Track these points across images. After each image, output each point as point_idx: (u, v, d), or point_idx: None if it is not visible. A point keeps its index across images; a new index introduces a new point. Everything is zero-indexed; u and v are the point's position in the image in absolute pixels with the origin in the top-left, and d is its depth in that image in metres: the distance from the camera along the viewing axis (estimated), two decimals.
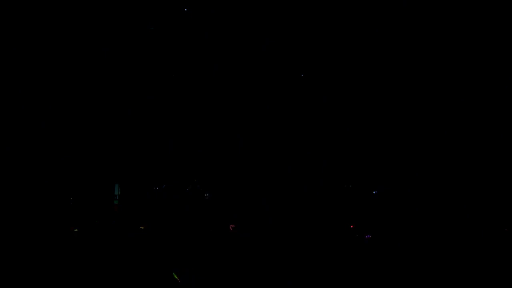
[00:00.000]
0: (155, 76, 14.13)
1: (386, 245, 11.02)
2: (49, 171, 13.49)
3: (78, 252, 9.89)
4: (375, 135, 14.60)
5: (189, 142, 15.14)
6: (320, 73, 14.17)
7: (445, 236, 11.60)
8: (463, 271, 9.06)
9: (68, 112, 13.88)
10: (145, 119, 14.71)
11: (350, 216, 14.20)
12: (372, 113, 14.54)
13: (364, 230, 12.69)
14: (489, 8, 13.07)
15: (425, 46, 13.61)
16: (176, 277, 8.44)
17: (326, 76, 14.16)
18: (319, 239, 11.72)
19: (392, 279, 8.83)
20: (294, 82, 14.29)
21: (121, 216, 14.23)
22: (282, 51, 13.94)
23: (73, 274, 8.63)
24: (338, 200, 15.17)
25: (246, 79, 14.23)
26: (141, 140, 14.59)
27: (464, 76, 13.79)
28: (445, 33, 13.42)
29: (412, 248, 10.72)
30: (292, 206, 15.30)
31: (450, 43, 13.53)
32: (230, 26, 13.56)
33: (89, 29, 13.39)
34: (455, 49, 13.58)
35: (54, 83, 13.69)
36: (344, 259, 9.83)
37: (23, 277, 8.36)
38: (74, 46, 13.53)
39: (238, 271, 8.92)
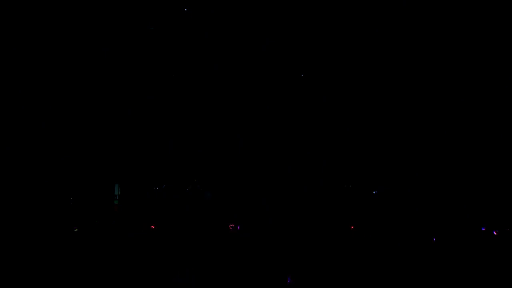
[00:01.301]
0: (155, 76, 14.14)
1: (386, 245, 11.01)
2: (49, 171, 13.50)
3: (78, 252, 9.88)
4: (375, 135, 14.60)
5: (189, 142, 15.15)
6: (320, 73, 14.17)
7: (445, 236, 11.60)
8: (463, 271, 9.06)
9: (68, 112, 13.89)
10: (145, 119, 14.73)
11: (350, 216, 14.20)
12: (372, 113, 14.54)
13: (364, 230, 12.69)
14: (489, 8, 13.08)
15: (425, 46, 13.61)
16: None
17: (326, 76, 14.16)
18: (319, 239, 11.72)
19: (392, 279, 8.83)
20: (294, 82, 14.28)
21: (121, 216, 14.24)
22: (282, 51, 13.94)
23: (73, 274, 8.63)
24: (338, 200, 15.18)
25: (246, 79, 14.23)
26: (141, 140, 14.60)
27: (464, 76, 13.79)
28: (444, 33, 13.42)
29: (412, 248, 10.72)
30: (292, 206, 15.32)
31: (450, 44, 13.52)
32: (230, 26, 13.56)
33: (89, 29, 13.40)
34: (454, 50, 13.58)
35: (54, 83, 13.69)
36: (344, 259, 9.83)
37: (23, 277, 8.36)
38: (74, 46, 13.53)
39: (238, 271, 8.92)
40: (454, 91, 13.88)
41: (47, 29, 13.24)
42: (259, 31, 13.63)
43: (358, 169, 14.84)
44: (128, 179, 14.76)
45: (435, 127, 14.10)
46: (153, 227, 13.30)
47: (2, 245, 9.95)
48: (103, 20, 13.36)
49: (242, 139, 15.03)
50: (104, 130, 14.30)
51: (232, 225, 13.06)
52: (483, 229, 12.45)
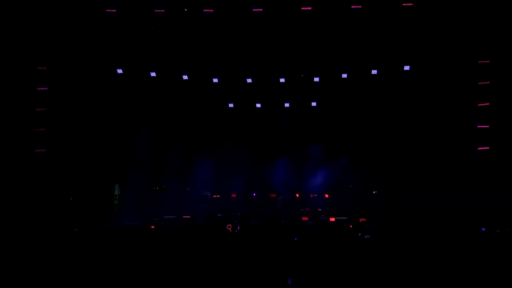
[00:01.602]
0: (154, 76, 14.15)
1: (386, 245, 11.02)
2: (49, 171, 13.51)
3: (78, 252, 9.89)
4: (375, 135, 14.61)
5: (189, 142, 15.17)
6: (320, 73, 14.18)
7: (445, 236, 11.60)
8: (463, 271, 9.07)
9: (68, 112, 13.91)
10: (145, 119, 14.74)
11: (350, 216, 14.22)
12: (372, 113, 14.55)
13: (364, 230, 12.70)
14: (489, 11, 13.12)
15: (425, 47, 13.62)
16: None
17: (326, 76, 14.17)
18: (319, 239, 11.73)
19: (392, 279, 8.84)
20: (294, 82, 14.29)
21: (121, 216, 14.26)
22: (282, 51, 13.95)
23: (73, 274, 8.63)
24: (339, 200, 15.20)
25: (246, 79, 14.24)
26: (141, 140, 14.62)
27: (463, 77, 13.80)
28: (444, 34, 13.43)
29: (412, 248, 10.73)
30: (293, 205, 15.34)
31: (449, 45, 13.54)
32: (230, 26, 13.57)
33: (89, 29, 13.41)
34: (454, 50, 13.60)
35: (54, 83, 13.71)
36: (343, 259, 9.83)
37: (23, 277, 8.37)
38: (74, 46, 13.55)
39: (238, 271, 8.93)
40: (454, 92, 13.89)
41: (47, 29, 13.26)
42: (259, 31, 13.63)
43: (359, 169, 14.86)
44: (128, 179, 14.79)
45: (435, 127, 14.11)
46: (153, 227, 13.33)
47: (2, 245, 9.96)
48: (103, 20, 13.37)
49: (242, 139, 15.05)
50: (104, 130, 14.32)
51: (232, 225, 13.08)
52: (483, 229, 12.45)
